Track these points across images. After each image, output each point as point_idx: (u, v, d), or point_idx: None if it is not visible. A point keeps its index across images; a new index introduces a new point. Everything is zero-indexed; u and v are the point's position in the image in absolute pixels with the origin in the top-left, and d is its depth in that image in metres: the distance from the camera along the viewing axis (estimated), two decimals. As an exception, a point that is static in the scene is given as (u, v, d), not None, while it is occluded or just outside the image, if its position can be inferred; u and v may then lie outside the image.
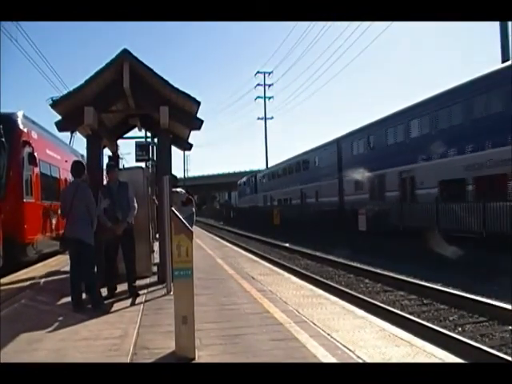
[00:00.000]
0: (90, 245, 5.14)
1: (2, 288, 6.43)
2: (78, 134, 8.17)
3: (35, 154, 9.62)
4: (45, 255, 10.23)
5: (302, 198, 27.12)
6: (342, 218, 19.40)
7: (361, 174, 19.17)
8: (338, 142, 22.79)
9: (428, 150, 14.26)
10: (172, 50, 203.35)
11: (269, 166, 42.86)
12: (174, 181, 8.68)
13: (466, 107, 13.10)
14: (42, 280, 7.29)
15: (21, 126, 9.32)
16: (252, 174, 43.14)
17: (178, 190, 9.21)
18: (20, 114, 9.48)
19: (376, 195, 18.28)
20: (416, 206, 14.38)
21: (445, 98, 14.21)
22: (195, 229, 10.22)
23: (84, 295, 5.23)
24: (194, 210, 9.14)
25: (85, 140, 7.03)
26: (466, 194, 13.14)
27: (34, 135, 9.95)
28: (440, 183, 14.14)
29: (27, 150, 9.33)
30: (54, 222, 10.82)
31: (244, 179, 46.40)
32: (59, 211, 5.34)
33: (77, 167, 5.45)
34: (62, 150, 13.14)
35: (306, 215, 22.97)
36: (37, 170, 9.92)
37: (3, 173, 8.41)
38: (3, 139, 8.06)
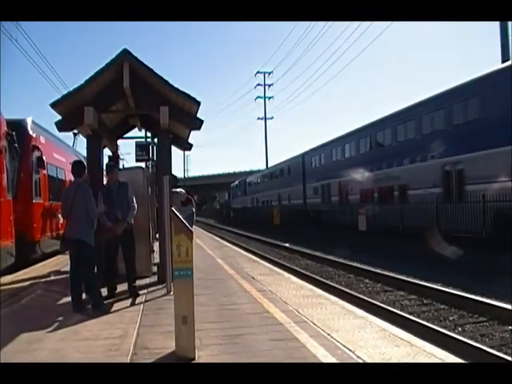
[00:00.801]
0: (90, 245, 5.13)
1: (2, 288, 6.43)
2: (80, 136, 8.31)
3: (43, 157, 10.21)
4: (52, 253, 10.43)
5: (279, 200, 33.35)
6: (306, 215, 25.50)
7: (316, 183, 25.99)
8: (303, 156, 28.68)
9: (353, 169, 20.28)
10: (172, 50, 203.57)
11: (269, 166, 43.43)
12: (174, 181, 8.69)
13: (365, 144, 20.22)
14: (43, 280, 7.30)
15: (30, 132, 9.90)
16: (242, 179, 48.50)
17: (178, 190, 9.21)
18: (29, 121, 10.00)
19: (325, 199, 24.61)
20: (348, 207, 20.81)
21: (356, 134, 21.19)
22: (195, 229, 10.22)
23: (84, 295, 5.22)
24: (193, 210, 9.14)
25: (85, 140, 7.03)
26: (373, 199, 18.85)
27: (42, 140, 10.54)
28: (360, 191, 20.26)
29: (36, 154, 9.94)
30: (60, 221, 11.06)
31: (236, 182, 50.98)
32: (60, 211, 5.34)
33: (77, 167, 5.44)
34: (67, 153, 13.53)
35: (282, 214, 29.07)
36: (44, 172, 10.51)
37: (15, 175, 8.87)
38: (16, 145, 8.52)
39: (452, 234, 12.18)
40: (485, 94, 12.60)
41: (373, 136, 19.32)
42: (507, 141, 11.06)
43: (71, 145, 15.27)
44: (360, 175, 19.53)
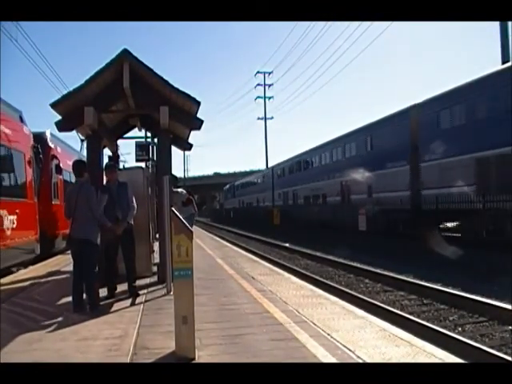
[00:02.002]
0: (96, 245, 5.12)
1: (2, 288, 6.43)
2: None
3: (60, 165, 12.05)
4: (65, 249, 10.87)
5: (258, 202, 42.58)
6: (256, 214, 34.53)
7: (280, 190, 35.17)
8: (272, 169, 38.26)
9: (300, 181, 29.55)
10: (172, 50, 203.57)
11: (269, 165, 43.96)
12: (174, 181, 8.68)
13: (305, 165, 29.52)
14: (43, 280, 7.31)
15: (50, 144, 11.60)
16: (232, 183, 56.03)
17: (179, 190, 9.21)
18: (48, 133, 11.66)
19: (285, 202, 33.63)
20: (298, 207, 29.69)
21: (300, 157, 30.43)
22: (195, 229, 10.22)
23: (84, 295, 5.22)
24: (193, 211, 9.13)
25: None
26: (311, 202, 27.68)
27: (58, 149, 12.34)
28: (304, 197, 29.15)
29: (54, 162, 11.76)
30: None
31: (227, 186, 58.93)
32: (64, 211, 5.41)
33: (78, 167, 5.42)
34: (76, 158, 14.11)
35: (258, 213, 36.24)
36: (61, 177, 12.32)
37: (37, 180, 10.35)
38: (41, 156, 10.56)
39: (341, 226, 19.84)
40: (360, 141, 20.97)
41: (308, 160, 28.99)
42: (371, 169, 19.15)
43: (78, 149, 15.97)
44: (302, 186, 29.11)
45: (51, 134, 11.76)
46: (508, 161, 11.47)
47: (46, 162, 11.06)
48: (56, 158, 11.82)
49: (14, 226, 8.20)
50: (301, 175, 29.71)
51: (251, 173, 54.11)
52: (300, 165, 30.26)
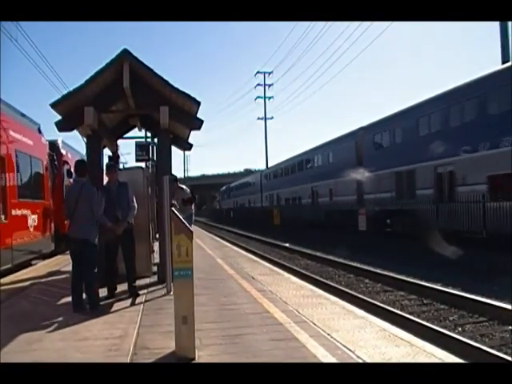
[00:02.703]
0: (95, 245, 5.12)
1: (2, 288, 6.44)
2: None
3: (70, 169, 12.72)
4: None
5: (249, 204, 46.43)
6: (261, 213, 35.57)
7: (266, 192, 40.11)
8: (260, 174, 43.89)
9: (282, 185, 34.46)
10: (172, 50, 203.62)
11: (269, 165, 44.31)
12: (174, 181, 8.67)
13: (285, 172, 34.35)
14: (43, 280, 7.30)
15: (62, 151, 13.00)
16: (228, 185, 60.01)
17: (184, 187, 9.23)
18: (60, 141, 13.05)
19: (271, 203, 37.74)
20: (281, 207, 32.79)
21: (282, 165, 35.92)
22: (195, 229, 10.21)
23: (84, 295, 5.22)
24: (193, 211, 9.12)
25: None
26: (294, 202, 31.45)
27: (69, 155, 13.63)
28: (285, 199, 33.81)
29: (66, 167, 13.05)
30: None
31: (224, 188, 63.20)
32: (63, 211, 5.48)
33: (80, 167, 5.42)
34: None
35: (256, 213, 38.39)
36: (71, 180, 12.73)
37: (52, 184, 11.74)
38: (56, 162, 12.31)
39: (312, 222, 23.90)
40: (323, 155, 25.92)
41: (287, 167, 33.83)
42: (331, 177, 23.37)
43: (83, 150, 16.53)
44: (283, 190, 33.97)
45: (63, 142, 13.39)
46: (411, 175, 16.34)
47: (58, 167, 12.63)
48: (67, 163, 13.15)
49: (36, 223, 9.81)
50: (283, 180, 34.84)
51: (251, 173, 56.26)
52: (282, 171, 35.57)
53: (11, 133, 8.60)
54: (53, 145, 12.26)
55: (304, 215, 26.13)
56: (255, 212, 37.66)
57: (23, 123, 9.74)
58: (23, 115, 10.12)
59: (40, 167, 10.58)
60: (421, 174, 15.69)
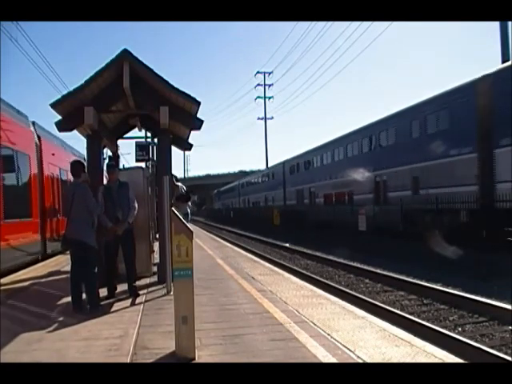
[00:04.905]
0: (92, 246, 5.11)
1: (2, 288, 6.43)
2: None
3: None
4: None
5: (232, 205, 54.37)
6: (242, 213, 42.80)
7: (243, 196, 49.49)
8: (239, 183, 52.97)
9: (255, 191, 44.33)
10: (172, 50, 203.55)
11: (268, 165, 44.73)
12: (174, 181, 8.66)
13: (259, 180, 43.95)
14: (43, 280, 7.30)
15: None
16: (218, 189, 68.35)
17: (180, 184, 9.22)
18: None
19: (246, 205, 46.87)
20: (251, 209, 42.44)
21: (260, 174, 45.22)
22: (195, 229, 10.21)
23: (84, 295, 5.22)
24: (188, 210, 9.10)
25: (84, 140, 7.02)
26: (260, 205, 41.06)
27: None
28: (252, 203, 44.66)
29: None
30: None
31: (215, 191, 71.28)
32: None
33: (74, 167, 5.36)
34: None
35: (235, 212, 46.45)
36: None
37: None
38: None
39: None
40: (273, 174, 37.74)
41: (256, 180, 44.04)
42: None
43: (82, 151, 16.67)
44: (254, 195, 43.79)
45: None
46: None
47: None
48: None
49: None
50: (256, 187, 43.74)
51: (251, 173, 58.01)
52: (255, 180, 44.97)
53: None
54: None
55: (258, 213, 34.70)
56: (256, 212, 39.06)
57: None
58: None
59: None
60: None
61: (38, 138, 10.87)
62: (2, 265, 7.84)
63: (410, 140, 16.39)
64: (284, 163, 33.36)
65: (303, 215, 25.69)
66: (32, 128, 10.55)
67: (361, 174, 19.63)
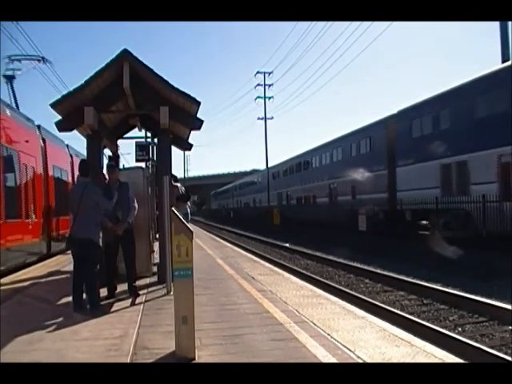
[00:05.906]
0: (98, 245, 5.11)
1: (2, 288, 6.43)
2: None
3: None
4: None
5: (227, 206, 59.41)
6: (236, 213, 46.49)
7: (236, 197, 55.61)
8: (234, 185, 57.81)
9: (246, 193, 50.54)
10: (172, 50, 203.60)
11: (269, 165, 44.75)
12: (174, 181, 8.65)
13: (243, 187, 53.75)
14: (43, 280, 7.30)
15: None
16: (215, 190, 72.61)
17: (179, 184, 9.20)
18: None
19: (238, 206, 52.57)
20: (244, 209, 48.32)
21: (244, 182, 53.96)
22: (195, 229, 10.21)
23: (84, 295, 5.21)
24: (188, 210, 9.10)
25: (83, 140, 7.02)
26: (243, 208, 49.17)
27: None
28: (244, 204, 50.63)
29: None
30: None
31: (212, 192, 75.52)
32: (69, 211, 5.47)
33: (84, 166, 5.39)
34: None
35: (233, 212, 48.85)
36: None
37: None
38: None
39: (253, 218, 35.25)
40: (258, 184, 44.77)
41: (249, 181, 48.48)
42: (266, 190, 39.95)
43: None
44: (246, 196, 48.11)
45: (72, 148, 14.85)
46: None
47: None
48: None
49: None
50: (247, 190, 48.85)
51: (251, 173, 59.38)
52: (246, 184, 49.79)
53: None
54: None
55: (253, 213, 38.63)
56: (256, 211, 39.52)
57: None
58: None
59: (68, 176, 12.32)
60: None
61: (43, 140, 11.35)
62: (12, 262, 8.48)
63: (350, 158, 22.49)
64: (268, 169, 40.18)
65: (281, 214, 31.48)
66: (37, 132, 11.04)
67: (320, 182, 26.44)
